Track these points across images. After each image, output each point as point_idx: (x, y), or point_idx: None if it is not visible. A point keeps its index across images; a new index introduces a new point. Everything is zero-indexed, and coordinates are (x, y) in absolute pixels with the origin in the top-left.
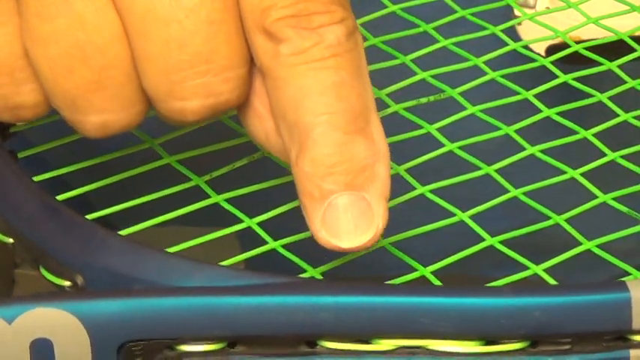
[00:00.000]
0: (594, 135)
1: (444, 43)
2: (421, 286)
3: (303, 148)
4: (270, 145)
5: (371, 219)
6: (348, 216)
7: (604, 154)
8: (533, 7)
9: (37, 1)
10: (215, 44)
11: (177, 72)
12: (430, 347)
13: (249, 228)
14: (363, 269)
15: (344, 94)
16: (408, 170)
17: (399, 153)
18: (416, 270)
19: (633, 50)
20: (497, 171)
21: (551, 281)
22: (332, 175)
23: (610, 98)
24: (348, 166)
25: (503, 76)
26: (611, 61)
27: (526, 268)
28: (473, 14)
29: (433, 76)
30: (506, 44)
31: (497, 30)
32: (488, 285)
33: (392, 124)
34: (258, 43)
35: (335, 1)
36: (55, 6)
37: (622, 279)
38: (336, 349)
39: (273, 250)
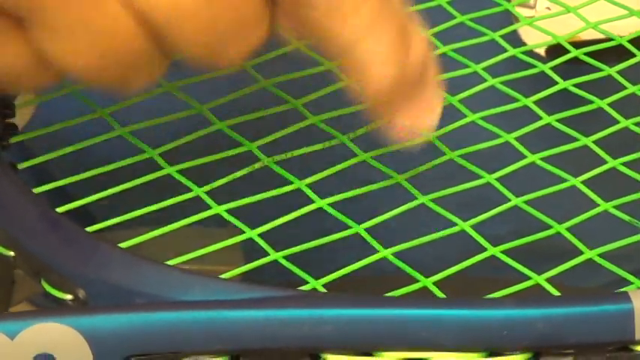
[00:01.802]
0: (594, 142)
1: (443, 49)
2: (423, 298)
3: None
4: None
5: None
6: None
7: (604, 162)
8: (533, 8)
9: None
10: None
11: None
12: (433, 359)
13: (250, 239)
14: (365, 280)
15: (384, 28)
16: (408, 179)
17: (399, 162)
18: (417, 281)
19: (632, 53)
20: (497, 179)
21: (553, 291)
22: None
23: (610, 104)
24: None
25: (502, 83)
26: (610, 65)
27: (528, 277)
28: (472, 20)
29: None
30: (506, 50)
31: (497, 36)
32: (490, 295)
33: None
34: None
35: None
36: None
37: (624, 289)
38: None
39: (275, 262)
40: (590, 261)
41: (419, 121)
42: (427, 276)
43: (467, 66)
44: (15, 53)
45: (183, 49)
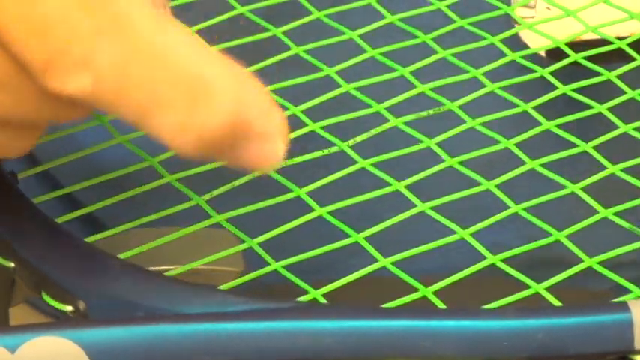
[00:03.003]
0: (594, 148)
1: (442, 54)
2: (423, 309)
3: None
4: None
5: None
6: None
7: (604, 168)
8: (532, 8)
9: None
10: None
11: None
12: None
13: (250, 248)
14: (365, 290)
15: (161, 103)
16: (408, 187)
17: (398, 169)
18: (417, 290)
19: (632, 57)
20: (497, 186)
21: (553, 300)
22: None
23: (610, 109)
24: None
25: (502, 88)
26: (610, 68)
27: (527, 286)
28: (471, 24)
29: (432, 89)
30: (505, 54)
31: (496, 40)
32: (490, 305)
33: (391, 139)
34: None
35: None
36: None
37: (623, 297)
38: None
39: (275, 271)
40: (589, 269)
41: (255, 163)
42: (427, 285)
43: (466, 71)
44: None
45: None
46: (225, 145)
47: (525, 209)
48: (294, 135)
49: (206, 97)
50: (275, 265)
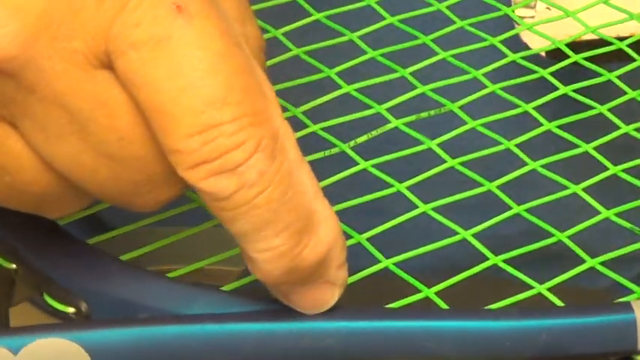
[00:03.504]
0: (595, 148)
1: (443, 55)
2: (426, 310)
3: (255, 273)
4: None
5: None
6: None
7: (605, 168)
8: (533, 8)
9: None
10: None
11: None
12: None
13: None
14: (367, 290)
15: (281, 224)
16: (409, 188)
17: (400, 170)
18: (420, 291)
19: (632, 57)
20: (498, 187)
21: (556, 300)
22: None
23: (610, 110)
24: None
25: (502, 89)
26: (610, 68)
27: (530, 287)
28: (471, 25)
29: (433, 90)
30: (506, 55)
31: (496, 41)
32: (493, 305)
33: (392, 140)
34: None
35: (244, 117)
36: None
37: (626, 298)
38: None
39: None
40: (592, 269)
41: (311, 304)
42: (429, 286)
43: (467, 72)
44: None
45: (91, 193)
46: (303, 279)
47: (527, 210)
48: (295, 136)
49: (312, 230)
50: None
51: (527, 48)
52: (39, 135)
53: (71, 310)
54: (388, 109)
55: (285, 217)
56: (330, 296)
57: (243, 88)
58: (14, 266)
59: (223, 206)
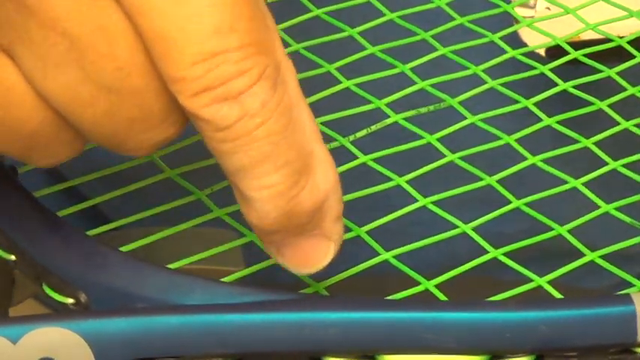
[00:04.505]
0: (595, 144)
1: (442, 51)
2: (426, 301)
3: (249, 217)
4: None
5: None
6: None
7: (605, 163)
8: (532, 8)
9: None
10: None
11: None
12: None
13: (251, 242)
14: (367, 283)
15: (280, 159)
16: (409, 182)
17: (399, 164)
18: (419, 283)
19: (632, 54)
20: (498, 181)
21: (555, 293)
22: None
23: (610, 106)
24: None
25: (502, 84)
26: (610, 66)
27: (530, 280)
28: (471, 21)
29: (432, 85)
30: (505, 51)
31: (496, 37)
32: (493, 298)
33: (392, 135)
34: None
35: (249, 45)
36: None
37: (626, 291)
38: None
39: (276, 265)
40: (591, 263)
41: (304, 259)
42: (429, 279)
43: (466, 68)
44: None
45: (85, 132)
46: (299, 226)
47: (527, 204)
48: None
49: (310, 172)
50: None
51: (526, 47)
52: (36, 64)
53: (70, 300)
54: (388, 104)
55: (285, 153)
56: (325, 252)
57: (249, 17)
58: (13, 257)
59: (224, 137)
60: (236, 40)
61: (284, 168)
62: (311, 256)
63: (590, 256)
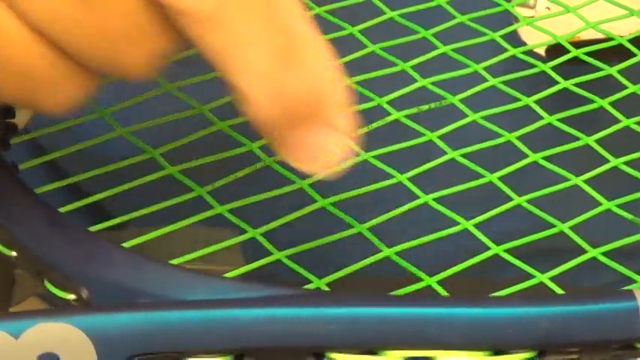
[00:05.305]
0: (596, 141)
1: (443, 49)
2: (428, 296)
3: (249, 112)
4: None
5: None
6: None
7: (606, 161)
8: (533, 8)
9: None
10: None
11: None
12: (438, 358)
13: (253, 238)
14: (368, 279)
15: (260, 41)
16: (410, 179)
17: (401, 161)
18: (421, 280)
19: (632, 53)
20: (500, 178)
21: (557, 290)
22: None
23: (611, 104)
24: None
25: (503, 83)
26: (610, 65)
27: (532, 276)
28: (472, 20)
29: (433, 83)
30: (506, 50)
31: (497, 36)
32: (495, 294)
33: (393, 132)
34: None
35: None
36: None
37: (629, 287)
38: None
39: (278, 261)
40: (593, 260)
41: (314, 154)
42: (430, 275)
43: (467, 66)
44: None
45: (80, 58)
46: (297, 114)
47: (528, 201)
48: None
49: (297, 54)
50: (278, 255)
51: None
52: None
53: (72, 296)
54: (389, 102)
55: (265, 34)
56: (334, 144)
57: None
58: (14, 253)
59: (205, 28)
60: None
61: (266, 50)
62: (319, 149)
63: (591, 252)
